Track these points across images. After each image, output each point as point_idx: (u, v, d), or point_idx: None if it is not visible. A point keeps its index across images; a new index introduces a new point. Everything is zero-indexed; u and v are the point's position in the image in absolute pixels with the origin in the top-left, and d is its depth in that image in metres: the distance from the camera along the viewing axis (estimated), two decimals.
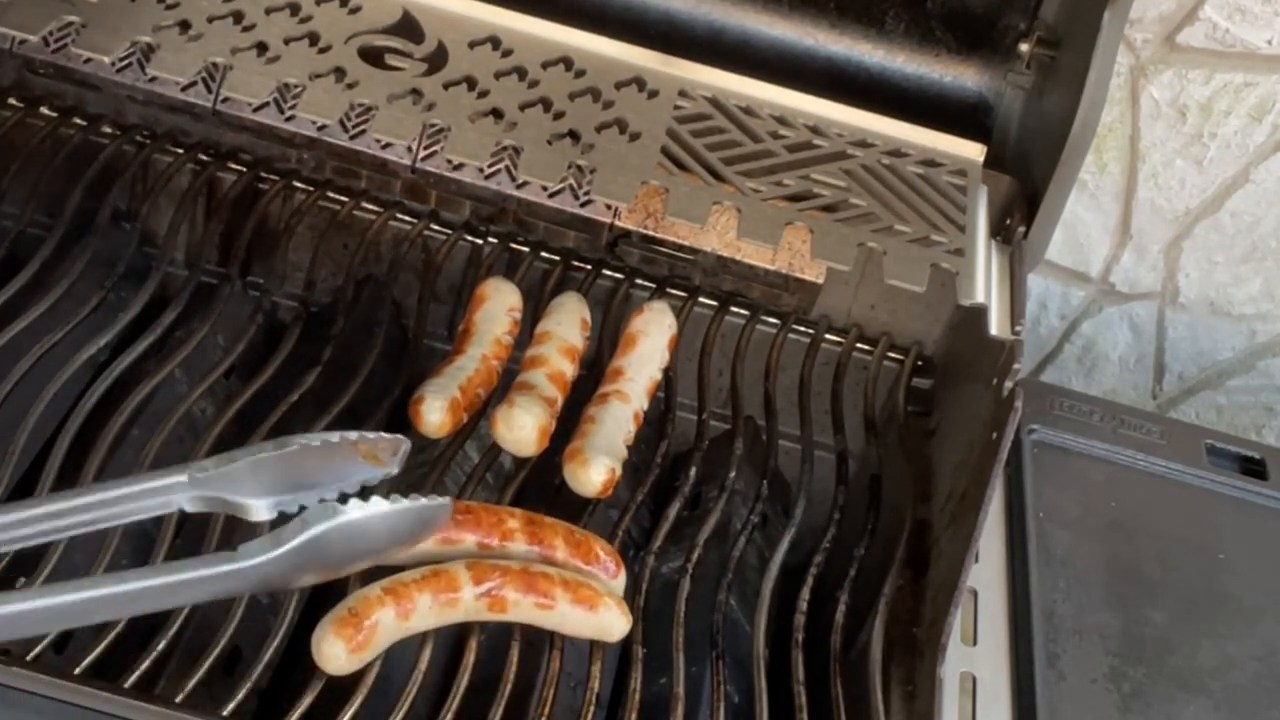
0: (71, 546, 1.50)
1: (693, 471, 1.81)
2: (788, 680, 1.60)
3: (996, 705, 1.67)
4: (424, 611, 1.49)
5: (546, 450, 1.73)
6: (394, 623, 1.47)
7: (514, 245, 2.05)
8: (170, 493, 1.42)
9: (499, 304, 1.87)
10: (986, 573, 1.82)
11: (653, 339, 1.87)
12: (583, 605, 1.54)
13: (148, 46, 1.81)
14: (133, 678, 1.42)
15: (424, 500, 1.45)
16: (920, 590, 1.75)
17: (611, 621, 1.56)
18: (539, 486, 1.74)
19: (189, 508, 1.43)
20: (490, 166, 1.82)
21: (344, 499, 1.43)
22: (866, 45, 2.09)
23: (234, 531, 1.54)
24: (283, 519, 1.41)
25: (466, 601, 1.50)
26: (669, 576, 1.72)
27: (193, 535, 1.60)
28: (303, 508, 1.43)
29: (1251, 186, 2.36)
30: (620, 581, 1.61)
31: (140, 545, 1.60)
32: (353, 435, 1.49)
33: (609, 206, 1.96)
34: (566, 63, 1.94)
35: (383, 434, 1.51)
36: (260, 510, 1.44)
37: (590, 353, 1.90)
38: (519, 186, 1.90)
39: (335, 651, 1.43)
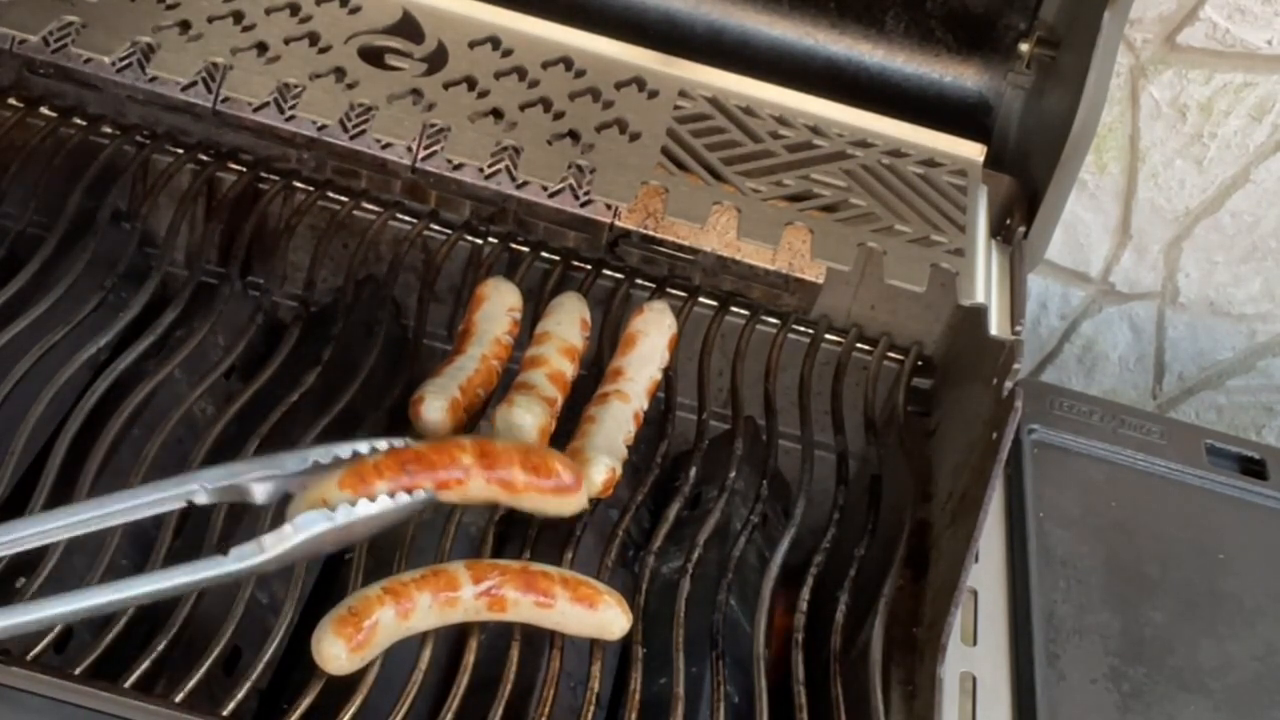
0: (71, 547, 1.50)
1: (693, 471, 1.81)
2: (788, 680, 1.60)
3: (996, 705, 1.67)
4: (424, 611, 1.49)
5: None
6: (394, 622, 1.47)
7: (514, 245, 2.05)
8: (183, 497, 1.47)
9: (499, 304, 1.87)
10: (986, 573, 1.82)
11: (652, 339, 1.87)
12: (582, 603, 1.54)
13: (148, 46, 1.81)
14: (133, 678, 1.42)
15: (407, 497, 1.50)
16: (920, 590, 1.75)
17: (611, 619, 1.56)
18: None
19: (201, 500, 1.48)
20: (490, 166, 1.82)
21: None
22: (866, 45, 2.09)
23: (233, 533, 1.56)
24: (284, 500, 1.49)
25: (466, 600, 1.50)
26: (669, 576, 1.72)
27: (191, 535, 1.61)
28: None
29: (1251, 186, 2.36)
30: (581, 495, 1.61)
31: (141, 543, 1.60)
32: (363, 447, 1.52)
33: (609, 206, 1.96)
34: (566, 63, 1.94)
35: (393, 441, 1.55)
36: (262, 495, 1.50)
37: (590, 353, 1.90)
38: (519, 186, 1.90)
39: (335, 651, 1.43)
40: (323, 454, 1.51)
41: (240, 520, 1.60)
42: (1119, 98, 2.29)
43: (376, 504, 1.47)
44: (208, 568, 1.41)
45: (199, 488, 1.46)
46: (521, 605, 1.53)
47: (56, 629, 1.45)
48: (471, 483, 1.57)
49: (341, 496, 1.49)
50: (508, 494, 1.58)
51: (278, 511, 1.51)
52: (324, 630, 1.45)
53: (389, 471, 1.52)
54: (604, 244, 2.07)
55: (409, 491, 1.50)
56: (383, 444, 1.53)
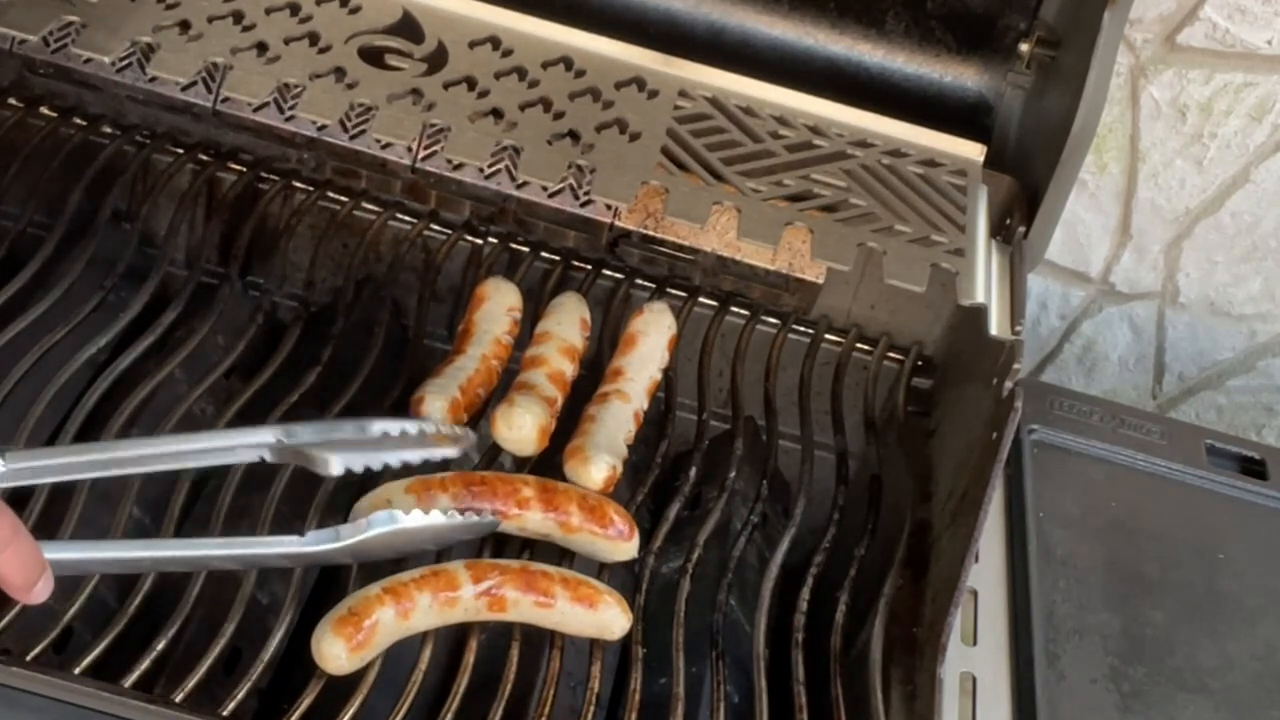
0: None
1: (693, 471, 1.81)
2: (788, 680, 1.60)
3: (996, 705, 1.67)
4: (424, 610, 1.49)
5: (546, 450, 1.73)
6: (394, 622, 1.47)
7: (514, 245, 2.05)
8: (259, 447, 1.54)
9: (499, 304, 1.87)
10: (986, 573, 1.82)
11: (652, 339, 1.87)
12: (582, 603, 1.54)
13: (148, 46, 1.81)
14: (133, 678, 1.42)
15: (475, 517, 1.57)
16: (920, 590, 1.75)
17: (612, 619, 1.56)
18: None
19: (270, 458, 1.55)
20: (490, 166, 1.82)
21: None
22: (866, 45, 2.09)
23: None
24: (348, 476, 1.57)
25: (466, 600, 1.51)
26: (669, 576, 1.72)
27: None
28: (368, 469, 1.57)
29: (1251, 186, 2.36)
30: (634, 544, 1.64)
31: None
32: (429, 427, 1.63)
33: (609, 206, 1.96)
34: (566, 63, 1.94)
35: (455, 427, 1.67)
36: (334, 465, 1.55)
37: (590, 353, 1.90)
38: (519, 186, 1.89)
39: (335, 651, 1.44)
40: (392, 427, 1.60)
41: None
42: (1119, 98, 2.29)
43: (446, 517, 1.54)
44: (283, 544, 1.48)
45: (275, 441, 1.54)
46: (521, 605, 1.53)
47: (57, 630, 1.45)
48: (529, 515, 1.61)
49: (407, 501, 1.57)
50: (563, 532, 1.62)
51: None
52: (324, 630, 1.45)
53: (454, 488, 1.59)
54: (604, 244, 2.07)
55: (477, 513, 1.58)
56: (445, 429, 1.64)
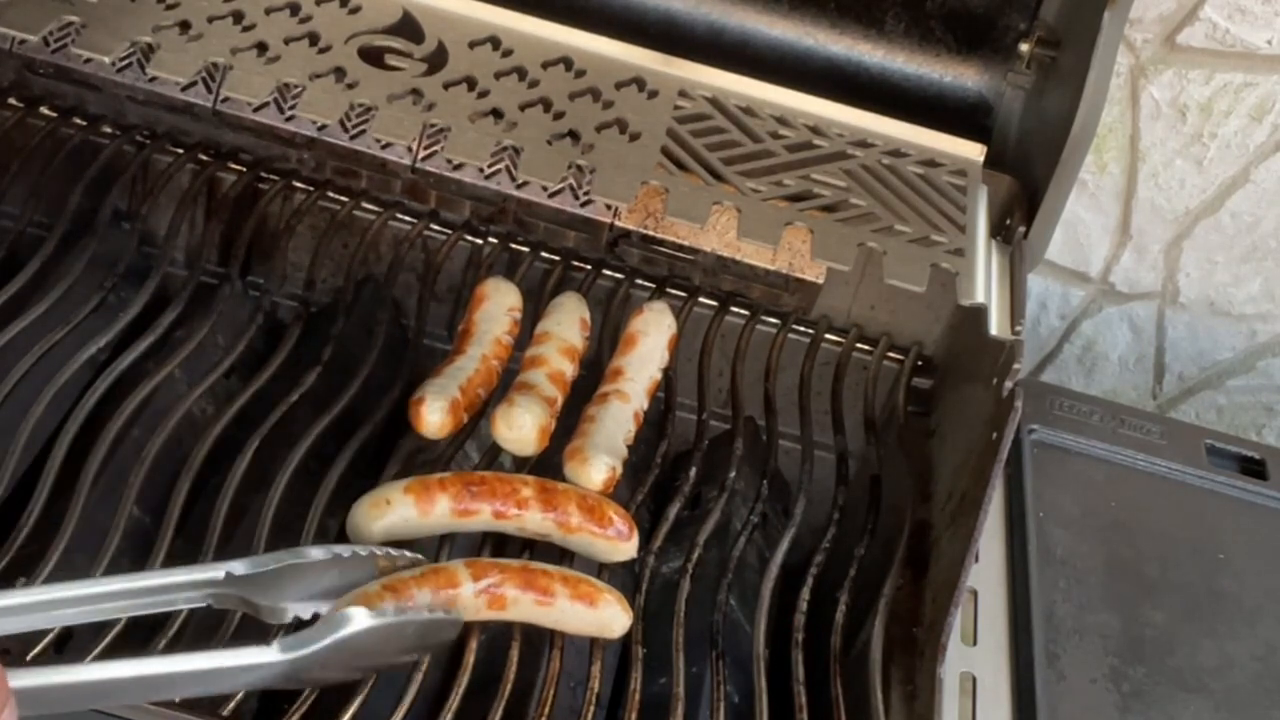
0: (71, 546, 1.51)
1: (693, 471, 1.81)
2: (788, 680, 1.60)
3: (996, 705, 1.67)
4: (432, 608, 1.49)
5: (546, 450, 1.73)
6: None
7: (514, 245, 2.05)
8: (202, 589, 1.41)
9: (499, 304, 1.87)
10: (986, 573, 1.82)
11: (652, 339, 1.87)
12: (583, 601, 1.54)
13: (148, 46, 1.81)
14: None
15: (441, 614, 1.46)
16: (920, 590, 1.75)
17: (612, 618, 1.56)
18: None
19: (215, 605, 1.42)
20: (490, 166, 1.82)
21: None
22: (866, 45, 2.09)
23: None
24: (295, 625, 1.42)
25: (465, 598, 1.50)
26: (669, 576, 1.72)
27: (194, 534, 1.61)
28: (315, 615, 1.43)
29: (1251, 186, 2.36)
30: (633, 544, 1.63)
31: (142, 545, 1.61)
32: (378, 550, 1.49)
33: (609, 206, 1.96)
34: (566, 63, 1.94)
35: (404, 553, 1.51)
36: (280, 615, 1.43)
37: (590, 353, 1.90)
38: (519, 186, 1.89)
39: None
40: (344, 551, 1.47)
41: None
42: (1119, 98, 2.29)
43: (412, 612, 1.43)
44: (253, 655, 1.34)
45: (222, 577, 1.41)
46: (521, 603, 1.53)
47: (56, 629, 1.45)
48: (529, 515, 1.60)
49: (405, 501, 1.54)
50: (562, 532, 1.61)
51: None
52: None
53: (453, 488, 1.58)
54: (604, 244, 2.07)
55: (445, 610, 1.48)
56: (395, 553, 1.51)
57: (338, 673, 1.42)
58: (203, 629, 1.50)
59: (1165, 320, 2.54)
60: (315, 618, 1.43)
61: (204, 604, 1.41)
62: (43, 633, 1.44)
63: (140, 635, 1.48)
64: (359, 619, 1.37)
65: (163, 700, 1.37)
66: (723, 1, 2.08)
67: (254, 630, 1.47)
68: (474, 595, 1.51)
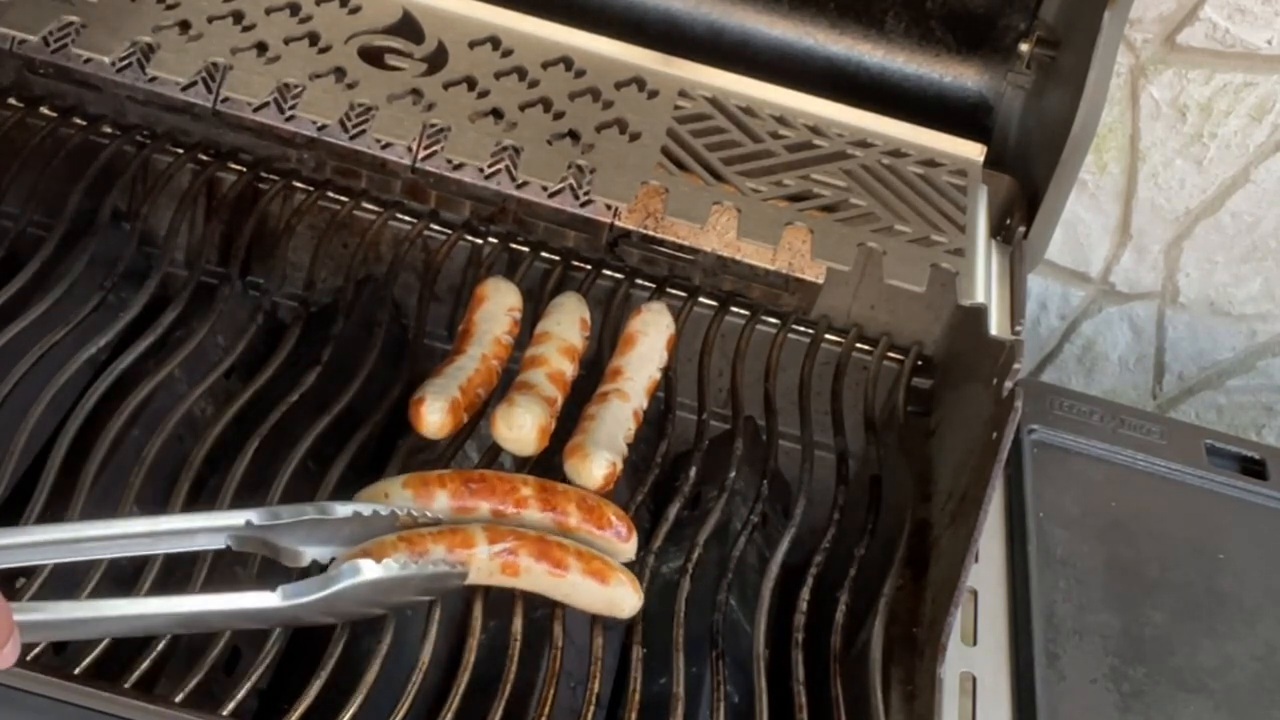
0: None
1: (693, 471, 1.81)
2: (788, 680, 1.60)
3: (996, 705, 1.67)
4: (437, 562, 1.49)
5: (546, 449, 1.73)
6: None
7: (514, 245, 2.05)
8: (224, 532, 1.46)
9: (499, 304, 1.87)
10: (986, 573, 1.82)
11: (651, 339, 1.87)
12: (594, 577, 1.55)
13: (148, 46, 1.81)
14: (133, 678, 1.42)
15: (445, 567, 1.48)
16: (920, 590, 1.75)
17: (623, 597, 1.56)
18: None
19: (235, 547, 1.47)
20: (490, 166, 1.82)
21: None
22: (866, 45, 2.09)
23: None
24: (315, 568, 1.47)
25: (480, 560, 1.51)
26: (669, 576, 1.72)
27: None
28: (333, 560, 1.48)
29: (1251, 186, 2.36)
30: (632, 545, 1.63)
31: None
32: (400, 509, 1.52)
33: (609, 206, 1.96)
34: (566, 63, 1.94)
35: (426, 512, 1.55)
36: (298, 558, 1.47)
37: (590, 353, 1.90)
38: (519, 186, 1.90)
39: None
40: (365, 510, 1.50)
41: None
42: (1119, 98, 2.29)
43: (415, 564, 1.46)
44: (258, 600, 1.40)
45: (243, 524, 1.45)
46: (534, 573, 1.53)
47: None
48: (527, 514, 1.59)
49: (404, 495, 1.54)
50: (561, 532, 1.60)
51: None
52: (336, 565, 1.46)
53: (451, 484, 1.57)
54: (604, 244, 2.07)
55: (449, 563, 1.50)
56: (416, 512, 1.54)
57: (348, 613, 1.45)
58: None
59: (1165, 320, 2.54)
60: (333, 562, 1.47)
61: (224, 545, 1.45)
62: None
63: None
64: (365, 570, 1.40)
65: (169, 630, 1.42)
66: (723, 1, 2.08)
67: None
68: (489, 558, 1.52)
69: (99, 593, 1.47)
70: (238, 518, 1.45)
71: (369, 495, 1.57)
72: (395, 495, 1.57)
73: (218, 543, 1.45)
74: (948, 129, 1.99)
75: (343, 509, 1.49)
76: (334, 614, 1.46)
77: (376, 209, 2.05)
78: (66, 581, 1.47)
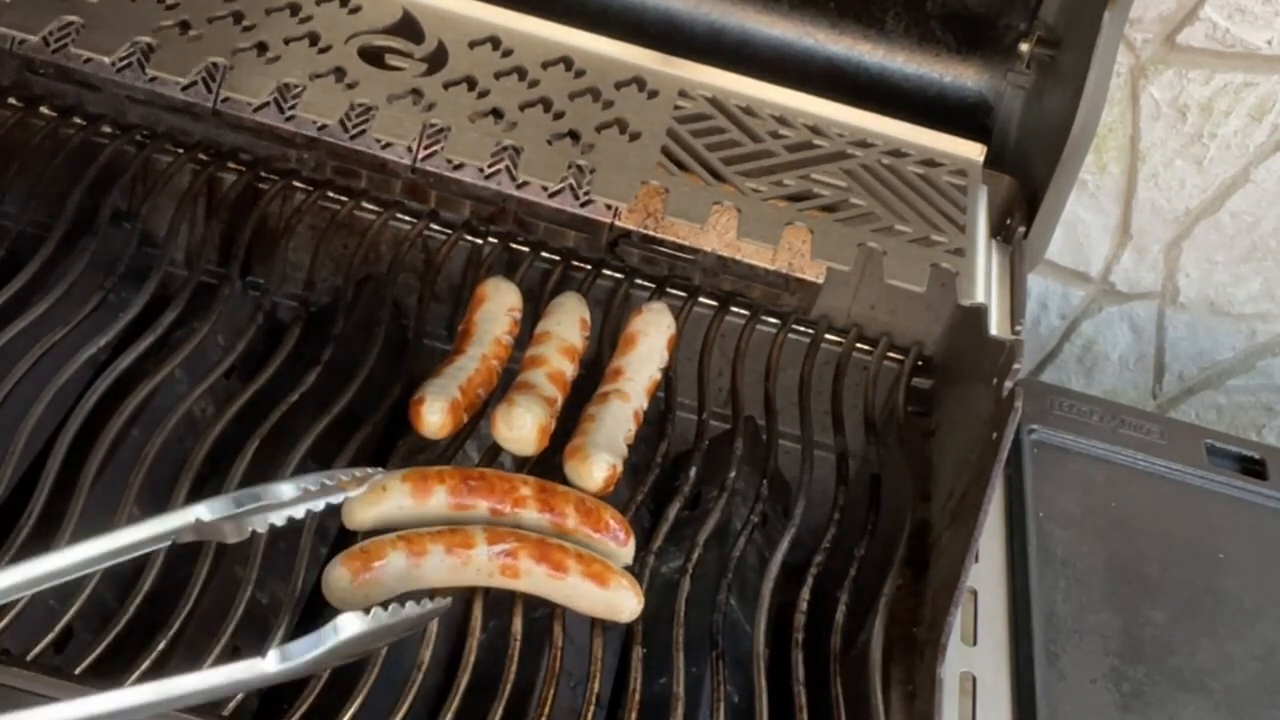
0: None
1: (693, 471, 1.81)
2: (788, 680, 1.60)
3: (996, 705, 1.67)
4: (436, 563, 1.50)
5: (546, 449, 1.73)
6: (404, 567, 1.49)
7: (514, 245, 2.05)
8: (173, 535, 1.45)
9: (499, 304, 1.87)
10: (986, 573, 1.82)
11: (651, 339, 1.87)
12: (594, 580, 1.55)
13: (148, 46, 1.81)
14: (133, 678, 1.42)
15: (429, 605, 1.44)
16: (920, 590, 1.75)
17: (622, 600, 1.56)
18: None
19: (195, 538, 1.47)
20: (490, 166, 1.82)
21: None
22: (866, 45, 2.09)
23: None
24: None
25: (479, 560, 1.51)
26: (669, 576, 1.72)
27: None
28: (272, 526, 1.47)
29: (1251, 186, 2.36)
30: (630, 549, 1.63)
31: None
32: (344, 475, 1.52)
33: (609, 206, 1.96)
34: (566, 63, 1.94)
35: (368, 470, 1.55)
36: (244, 533, 1.48)
37: (590, 353, 1.90)
38: (519, 186, 1.90)
39: (338, 576, 1.47)
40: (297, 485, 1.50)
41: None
42: (1119, 98, 2.29)
43: (385, 614, 1.42)
44: (248, 670, 1.37)
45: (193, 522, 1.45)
46: (534, 575, 1.53)
47: (58, 629, 1.45)
48: (525, 514, 1.59)
49: (402, 490, 1.55)
50: (558, 533, 1.60)
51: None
52: (333, 563, 1.48)
53: (450, 481, 1.58)
54: (604, 244, 2.07)
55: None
56: (357, 472, 1.54)
57: (337, 663, 1.43)
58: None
59: (1165, 320, 2.54)
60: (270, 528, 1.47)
61: (170, 542, 1.44)
62: (43, 633, 1.44)
63: (139, 635, 1.49)
64: (349, 625, 1.38)
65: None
66: (723, 1, 2.08)
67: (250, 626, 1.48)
68: (488, 559, 1.52)
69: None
70: (187, 515, 1.45)
71: (367, 497, 1.57)
72: (393, 489, 1.57)
73: (168, 541, 1.45)
74: (948, 129, 1.99)
75: (289, 488, 1.48)
76: (324, 667, 1.43)
77: (376, 209, 2.05)
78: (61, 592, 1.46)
